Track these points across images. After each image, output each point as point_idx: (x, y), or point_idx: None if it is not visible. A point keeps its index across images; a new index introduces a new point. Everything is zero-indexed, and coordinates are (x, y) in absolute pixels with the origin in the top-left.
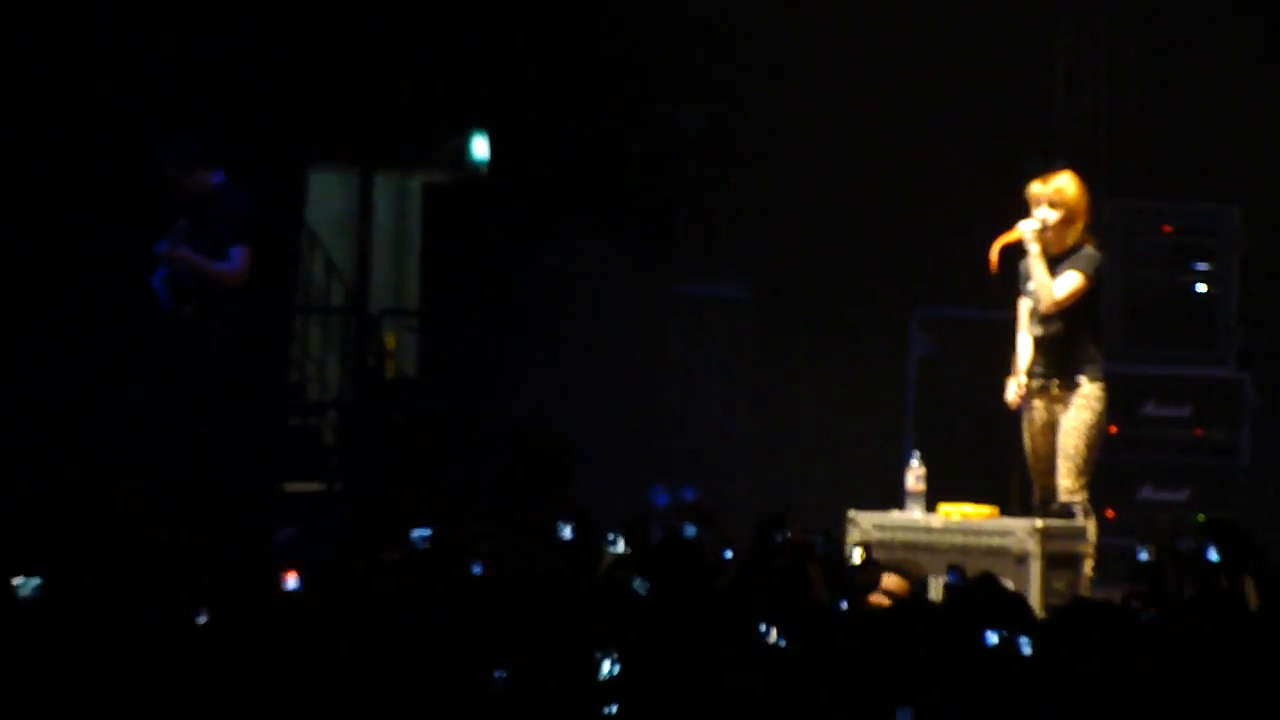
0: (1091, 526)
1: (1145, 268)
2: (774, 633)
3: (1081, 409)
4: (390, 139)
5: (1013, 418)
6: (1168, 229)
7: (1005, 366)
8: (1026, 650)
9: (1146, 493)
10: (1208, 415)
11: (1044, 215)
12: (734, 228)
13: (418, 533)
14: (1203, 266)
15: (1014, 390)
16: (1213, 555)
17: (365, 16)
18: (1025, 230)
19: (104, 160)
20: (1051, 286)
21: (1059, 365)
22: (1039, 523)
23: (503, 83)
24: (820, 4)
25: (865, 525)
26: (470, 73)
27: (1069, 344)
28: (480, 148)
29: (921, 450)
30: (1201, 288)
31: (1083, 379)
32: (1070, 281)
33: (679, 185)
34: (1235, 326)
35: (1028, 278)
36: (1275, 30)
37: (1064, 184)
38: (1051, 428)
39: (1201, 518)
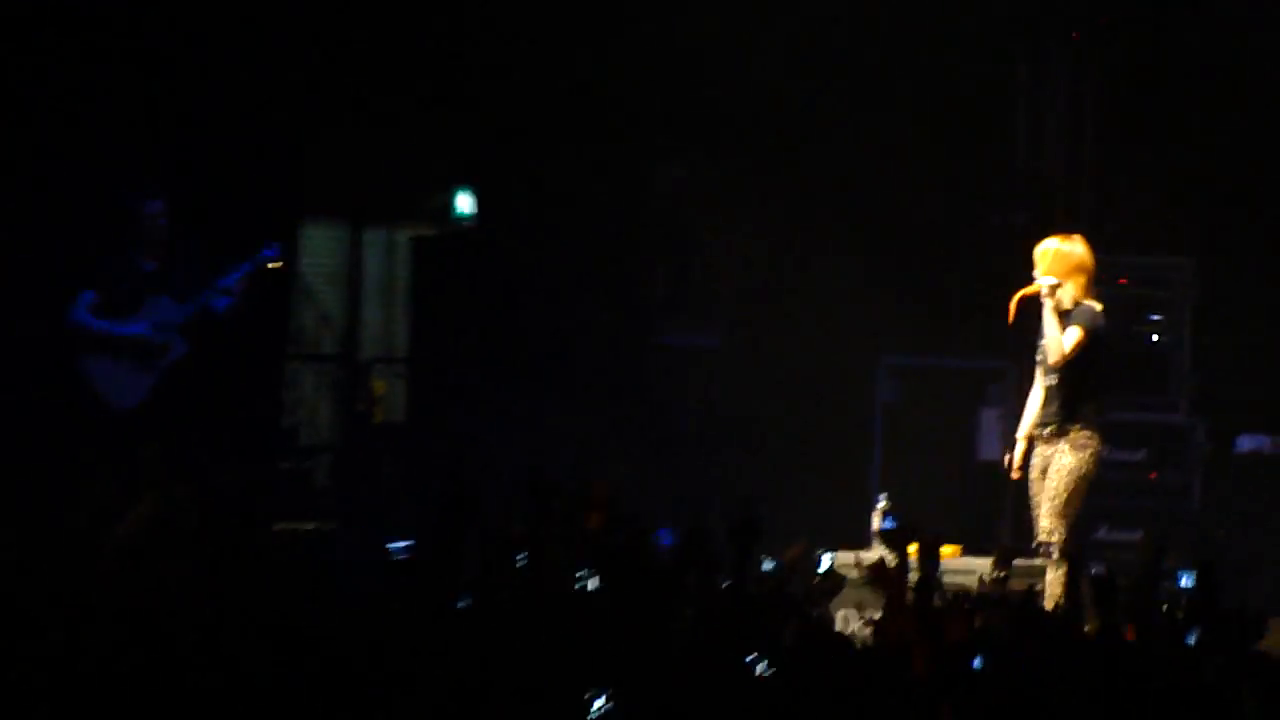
0: (1059, 569)
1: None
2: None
3: (1066, 453)
4: (379, 195)
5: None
6: (1124, 281)
7: (970, 411)
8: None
9: (1103, 533)
10: (1160, 459)
11: (1047, 280)
12: (708, 281)
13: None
14: (1157, 317)
15: (1013, 455)
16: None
17: (355, 81)
18: (1044, 285)
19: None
20: (1060, 341)
21: (1057, 413)
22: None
23: (487, 142)
24: (788, 67)
25: (836, 562)
26: (456, 132)
27: (1067, 393)
28: (465, 203)
29: (890, 492)
30: (1156, 337)
31: (1074, 426)
32: (1071, 337)
33: (656, 240)
34: (1187, 374)
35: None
36: (1225, 91)
37: (1051, 248)
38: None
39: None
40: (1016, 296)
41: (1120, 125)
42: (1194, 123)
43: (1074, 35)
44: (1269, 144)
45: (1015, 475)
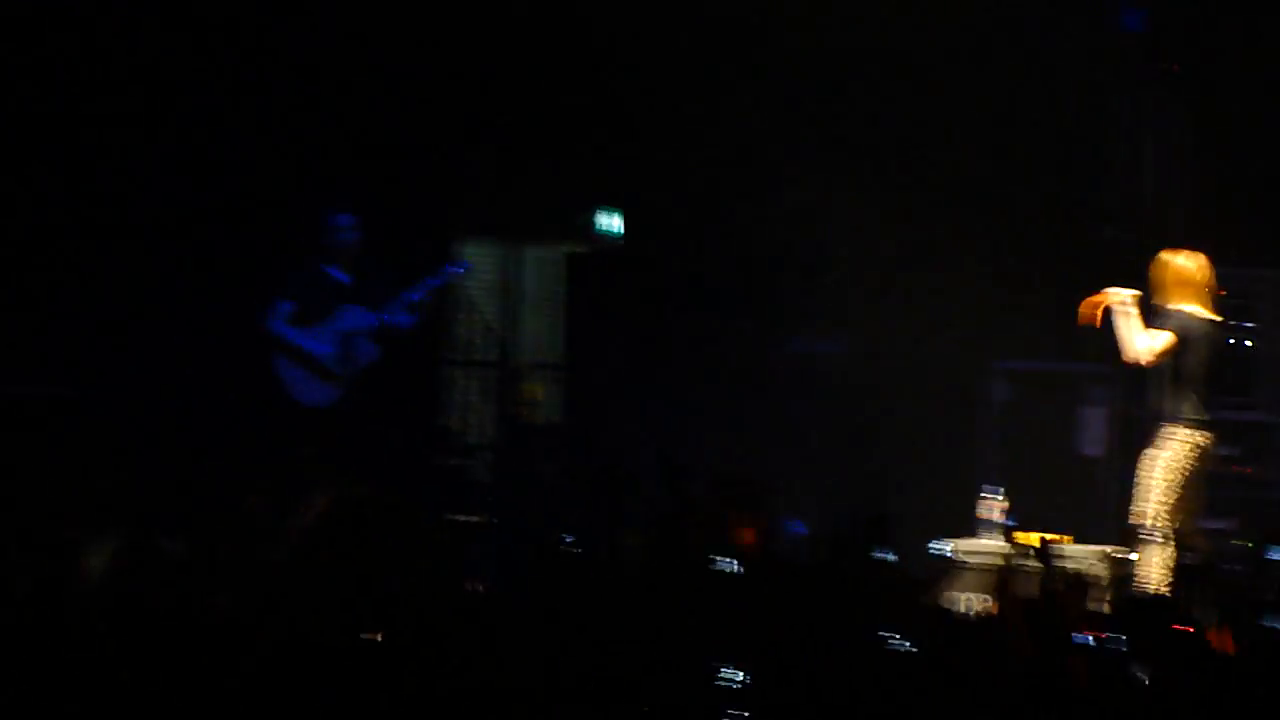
0: (1161, 552)
1: None
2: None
3: (1162, 447)
4: (536, 216)
5: (1087, 459)
6: (1221, 291)
7: (1074, 411)
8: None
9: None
10: (1253, 455)
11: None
12: (836, 292)
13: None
14: (1249, 324)
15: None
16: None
17: (518, 115)
18: (1113, 295)
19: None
20: (1131, 342)
21: (1160, 410)
22: (1108, 549)
23: (635, 167)
24: (912, 100)
25: (956, 549)
26: (606, 159)
27: (1164, 392)
28: (615, 223)
29: (1007, 488)
30: (1248, 343)
31: (1170, 422)
32: (1157, 338)
33: (787, 254)
34: (1277, 377)
35: None
36: None
37: (1158, 258)
38: None
39: (1250, 545)
40: (1090, 304)
41: (1213, 147)
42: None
43: (1174, 67)
44: None
45: None
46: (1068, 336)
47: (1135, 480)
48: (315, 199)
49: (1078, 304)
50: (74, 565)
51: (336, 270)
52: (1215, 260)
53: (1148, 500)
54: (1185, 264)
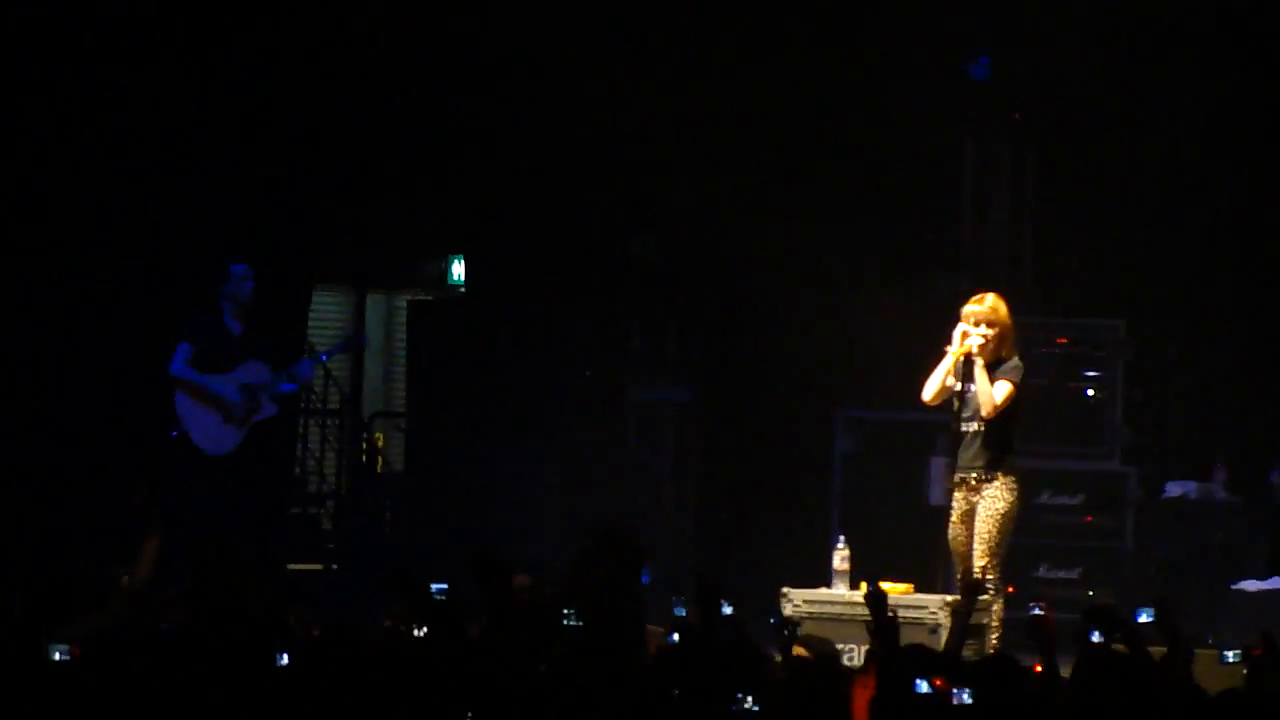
0: (998, 603)
1: (1041, 375)
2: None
3: (995, 499)
4: (379, 263)
5: (934, 509)
6: (1061, 340)
7: (920, 461)
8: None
9: (1042, 571)
10: (1096, 504)
11: (983, 332)
12: (681, 341)
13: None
14: (1092, 374)
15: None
16: (1095, 636)
17: (354, 161)
18: (974, 345)
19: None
20: (993, 394)
21: (982, 459)
22: (949, 598)
23: (477, 214)
24: (746, 146)
25: (797, 600)
26: (448, 206)
27: (993, 441)
28: (457, 270)
29: (847, 535)
30: (1090, 392)
31: (997, 473)
32: (1003, 389)
33: (632, 304)
34: (1120, 426)
35: (961, 383)
36: (1155, 168)
37: (997, 305)
38: (971, 515)
39: (1090, 594)
40: (953, 357)
41: (1058, 199)
42: (1126, 197)
43: (1016, 116)
44: (1193, 219)
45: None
46: (912, 385)
47: (953, 535)
48: (218, 246)
49: (924, 351)
50: None
51: (230, 319)
52: (1059, 310)
53: (992, 554)
54: (1005, 309)
